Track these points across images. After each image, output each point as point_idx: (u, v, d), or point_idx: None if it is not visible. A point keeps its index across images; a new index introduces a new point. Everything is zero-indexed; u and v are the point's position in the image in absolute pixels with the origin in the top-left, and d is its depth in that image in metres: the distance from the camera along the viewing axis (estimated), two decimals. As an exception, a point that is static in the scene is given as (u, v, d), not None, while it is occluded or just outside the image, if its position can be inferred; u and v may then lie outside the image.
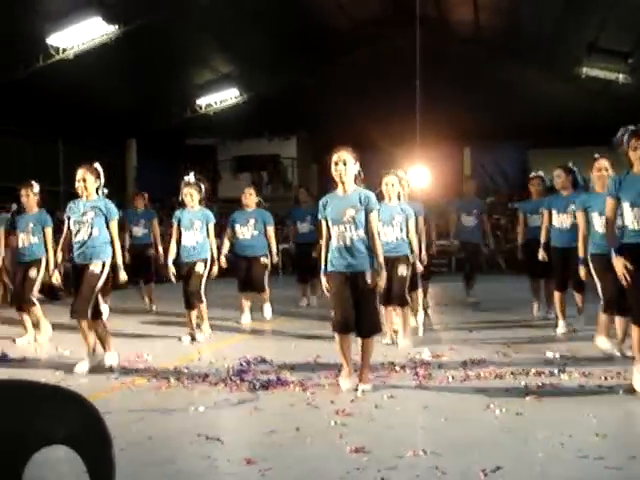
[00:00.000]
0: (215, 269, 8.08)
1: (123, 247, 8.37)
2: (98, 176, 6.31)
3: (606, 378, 5.41)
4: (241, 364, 6.17)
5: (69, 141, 18.09)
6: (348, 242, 5.23)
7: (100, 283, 6.20)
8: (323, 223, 5.42)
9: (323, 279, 5.41)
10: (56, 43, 13.95)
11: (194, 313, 7.88)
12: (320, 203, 5.45)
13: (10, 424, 1.37)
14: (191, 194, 7.86)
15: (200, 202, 7.97)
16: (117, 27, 13.87)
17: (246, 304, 9.27)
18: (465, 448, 3.88)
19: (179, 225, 7.90)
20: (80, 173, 6.25)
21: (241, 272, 9.30)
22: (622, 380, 5.30)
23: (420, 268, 7.55)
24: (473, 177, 22.30)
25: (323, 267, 5.42)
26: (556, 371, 5.65)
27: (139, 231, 10.52)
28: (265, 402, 4.93)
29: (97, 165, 6.32)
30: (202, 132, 21.76)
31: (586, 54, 16.61)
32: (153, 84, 16.93)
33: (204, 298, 7.87)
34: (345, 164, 5.28)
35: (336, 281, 5.29)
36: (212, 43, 16.77)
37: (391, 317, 7.20)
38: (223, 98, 20.12)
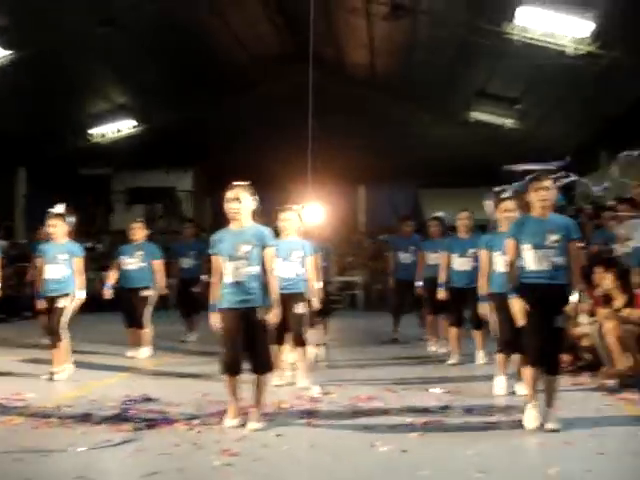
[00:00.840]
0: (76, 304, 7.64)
1: None
2: None
3: (491, 414, 5.55)
4: (125, 402, 5.99)
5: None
6: (242, 278, 5.18)
7: None
8: (215, 259, 5.35)
9: (213, 316, 5.31)
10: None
11: (57, 350, 7.45)
12: (213, 238, 5.38)
13: None
14: (54, 226, 7.60)
15: (68, 235, 7.69)
16: (12, 52, 13.50)
17: (134, 338, 9.06)
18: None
19: (43, 257, 7.64)
20: None
21: (125, 305, 9.13)
22: (506, 417, 5.45)
23: (317, 305, 7.42)
24: (367, 215, 22.88)
25: (212, 304, 5.35)
26: (441, 408, 5.75)
27: None
28: (149, 442, 4.79)
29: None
30: (96, 162, 21.26)
31: (475, 99, 17.30)
32: (46, 112, 16.48)
33: (65, 334, 7.46)
34: (240, 201, 5.25)
35: (228, 318, 5.22)
36: (108, 73, 16.53)
37: (284, 356, 7.10)
38: (119, 128, 19.80)
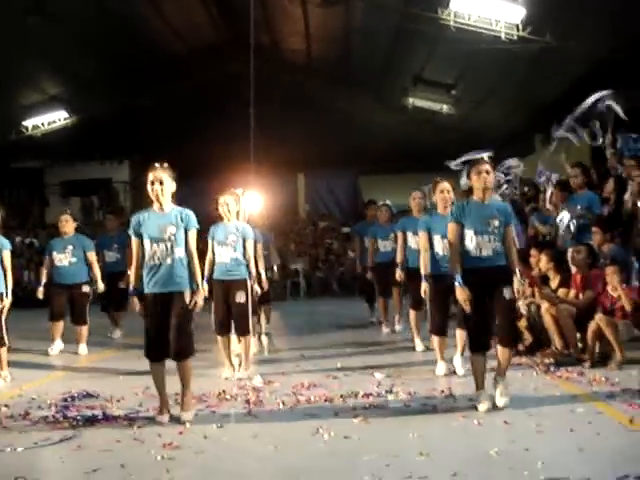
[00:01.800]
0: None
1: None
2: None
3: (431, 397, 5.61)
4: (65, 399, 5.89)
5: None
6: (168, 260, 5.08)
7: None
8: (136, 241, 5.19)
9: (134, 301, 5.20)
10: None
11: None
12: (133, 220, 5.23)
13: None
14: None
15: None
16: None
17: (58, 333, 8.84)
18: (294, 476, 3.89)
19: None
20: None
21: (55, 300, 8.84)
22: (448, 399, 5.53)
23: (258, 292, 7.32)
24: (307, 202, 22.89)
25: (133, 289, 5.25)
26: (383, 392, 5.80)
27: None
28: (89, 439, 4.71)
29: None
30: (29, 155, 20.80)
31: (412, 85, 17.42)
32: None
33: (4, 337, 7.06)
34: (162, 183, 5.13)
35: (152, 303, 5.12)
36: (39, 64, 16.12)
37: (230, 346, 6.95)
38: (51, 120, 19.36)
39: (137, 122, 19.31)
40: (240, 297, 6.68)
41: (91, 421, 5.13)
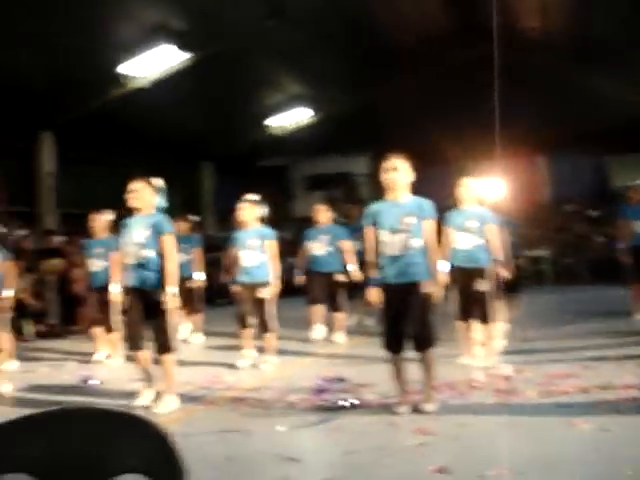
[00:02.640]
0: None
1: None
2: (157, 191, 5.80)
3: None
4: (319, 383, 6.15)
5: (147, 167, 18.51)
6: (406, 251, 4.98)
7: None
8: (372, 230, 5.12)
9: (372, 291, 5.08)
10: (130, 72, 14.34)
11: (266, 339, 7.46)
12: (369, 210, 5.20)
13: (85, 452, 1.38)
14: (244, 209, 7.47)
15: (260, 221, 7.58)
16: (189, 54, 14.19)
17: (316, 317, 9.10)
18: (550, 466, 3.77)
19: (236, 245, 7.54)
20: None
21: (313, 285, 9.10)
22: None
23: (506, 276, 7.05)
24: (551, 185, 21.97)
25: (372, 278, 5.14)
26: (644, 384, 5.45)
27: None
28: (344, 422, 4.88)
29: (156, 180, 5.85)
30: (275, 153, 21.97)
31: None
32: (226, 108, 17.22)
33: (273, 323, 7.42)
34: (397, 170, 5.08)
35: (388, 294, 5.02)
36: (281, 65, 16.96)
37: (472, 333, 6.88)
38: (295, 118, 20.28)
39: (375, 115, 19.66)
40: (480, 285, 6.56)
41: (345, 406, 5.30)
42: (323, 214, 9.26)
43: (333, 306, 9.17)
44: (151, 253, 5.52)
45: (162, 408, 5.43)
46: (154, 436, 1.39)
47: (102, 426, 1.40)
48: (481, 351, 6.82)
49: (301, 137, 20.64)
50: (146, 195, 5.66)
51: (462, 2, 16.22)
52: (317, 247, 9.13)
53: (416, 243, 4.99)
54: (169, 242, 5.56)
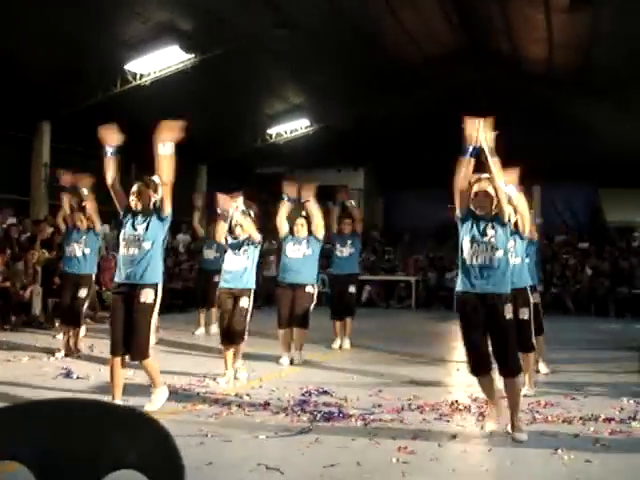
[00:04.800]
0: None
1: None
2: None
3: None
4: (302, 394, 6.13)
5: (142, 164, 18.49)
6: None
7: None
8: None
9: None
10: (133, 69, 14.33)
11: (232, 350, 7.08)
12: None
13: (82, 445, 1.35)
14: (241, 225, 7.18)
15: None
16: (194, 56, 14.17)
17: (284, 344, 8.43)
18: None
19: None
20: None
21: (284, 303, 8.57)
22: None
23: None
24: (542, 215, 22.05)
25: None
26: (627, 418, 5.45)
27: (210, 254, 10.65)
28: (326, 434, 4.87)
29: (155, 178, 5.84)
30: (272, 161, 21.95)
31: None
32: (226, 112, 17.21)
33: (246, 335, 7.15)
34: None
35: (467, 307, 4.95)
36: (285, 74, 16.98)
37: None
38: (293, 128, 20.29)
39: (372, 131, 19.73)
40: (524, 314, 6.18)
41: (327, 417, 5.29)
42: (303, 228, 8.54)
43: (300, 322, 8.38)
44: (146, 248, 5.48)
45: (153, 404, 5.48)
46: (153, 432, 1.37)
47: (101, 419, 1.38)
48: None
49: (298, 147, 20.64)
50: (148, 197, 5.69)
51: (469, 26, 16.28)
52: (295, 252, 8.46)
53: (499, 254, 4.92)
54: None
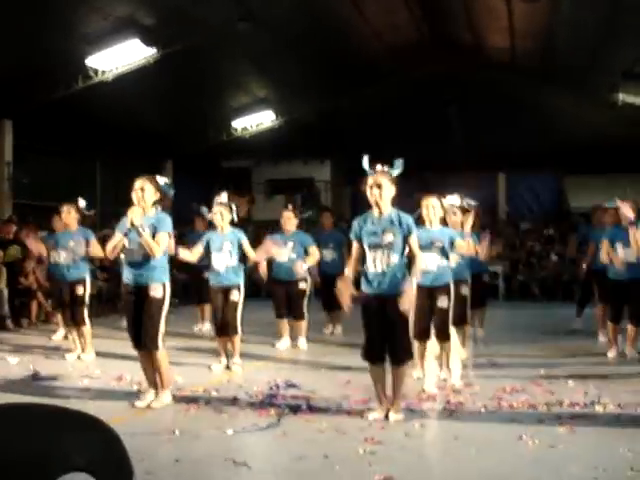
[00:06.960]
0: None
1: None
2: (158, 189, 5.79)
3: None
4: (271, 388, 6.14)
5: (106, 161, 18.35)
6: (385, 267, 5.06)
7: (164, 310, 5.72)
8: (356, 244, 5.25)
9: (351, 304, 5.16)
10: (95, 65, 14.12)
11: (227, 341, 7.45)
12: (354, 223, 5.29)
13: (31, 449, 1.33)
14: (221, 214, 7.39)
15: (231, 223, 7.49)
16: (156, 50, 14.04)
17: (285, 329, 8.98)
18: (496, 480, 3.82)
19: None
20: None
21: (277, 296, 9.02)
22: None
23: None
24: (507, 202, 22.28)
25: (359, 288, 5.22)
26: (590, 402, 5.54)
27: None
28: (294, 427, 4.89)
29: (159, 178, 5.88)
30: (237, 155, 21.87)
31: (622, 81, 16.44)
32: (190, 106, 17.12)
33: (239, 329, 7.37)
34: (380, 187, 5.16)
35: (368, 306, 5.14)
36: (249, 67, 16.90)
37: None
38: (259, 121, 20.22)
39: (338, 122, 19.73)
40: (442, 303, 6.42)
41: (295, 410, 5.31)
42: (290, 221, 8.93)
43: (296, 314, 8.99)
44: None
45: (158, 403, 5.60)
46: (102, 435, 1.36)
47: (48, 423, 1.37)
48: (435, 365, 6.75)
49: (264, 140, 20.55)
50: (150, 195, 5.70)
51: (432, 17, 16.34)
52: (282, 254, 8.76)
53: (397, 258, 5.08)
54: (162, 239, 5.62)
